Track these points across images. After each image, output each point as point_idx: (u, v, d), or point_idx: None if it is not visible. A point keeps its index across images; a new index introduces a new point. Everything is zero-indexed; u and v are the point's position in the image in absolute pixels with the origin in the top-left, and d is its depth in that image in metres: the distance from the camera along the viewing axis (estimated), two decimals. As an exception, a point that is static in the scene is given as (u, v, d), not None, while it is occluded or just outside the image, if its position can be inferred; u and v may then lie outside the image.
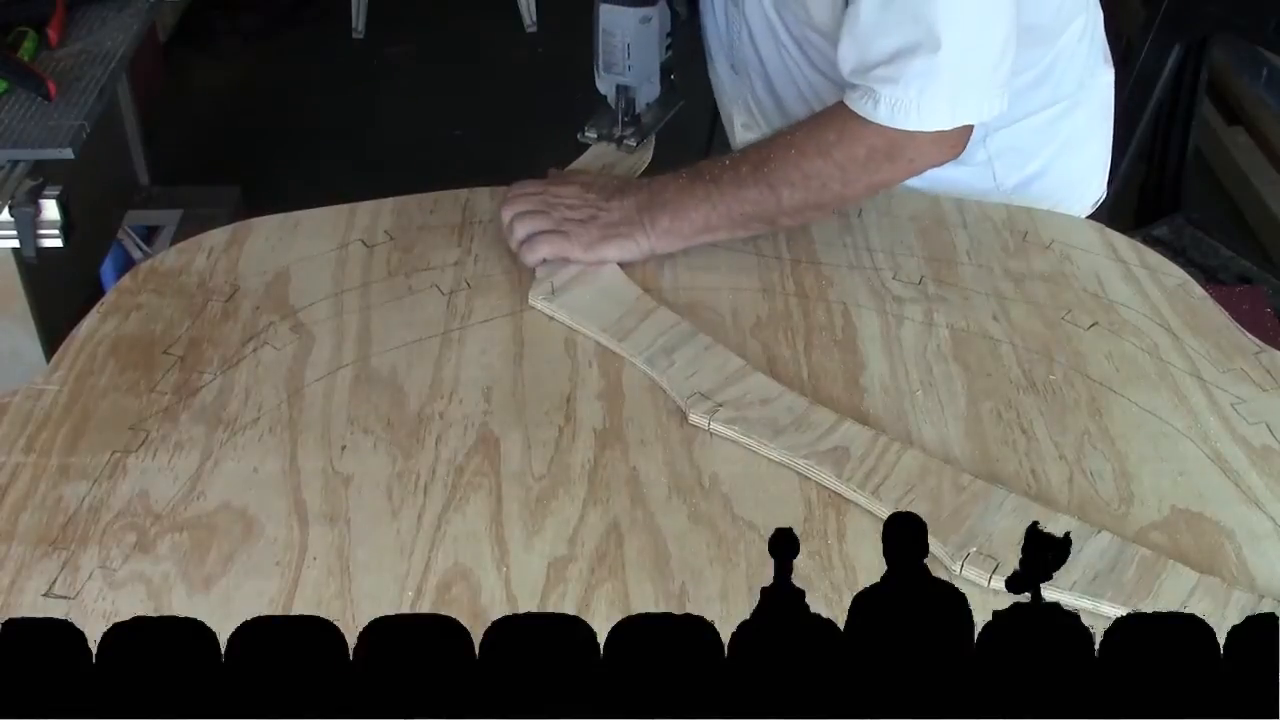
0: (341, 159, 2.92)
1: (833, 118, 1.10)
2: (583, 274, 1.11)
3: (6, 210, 1.35)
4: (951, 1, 1.02)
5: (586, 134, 1.31)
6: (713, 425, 0.95)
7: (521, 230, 1.12)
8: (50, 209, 1.37)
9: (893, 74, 1.05)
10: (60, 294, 1.56)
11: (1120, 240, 1.18)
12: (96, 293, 1.34)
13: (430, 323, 1.06)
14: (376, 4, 3.58)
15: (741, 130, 1.37)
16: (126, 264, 2.01)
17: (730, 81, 1.36)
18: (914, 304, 1.09)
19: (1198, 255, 2.23)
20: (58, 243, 1.39)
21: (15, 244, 1.38)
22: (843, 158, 1.09)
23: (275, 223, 1.18)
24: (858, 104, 1.08)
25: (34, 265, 1.43)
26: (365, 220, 1.18)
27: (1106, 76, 1.34)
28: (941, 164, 1.12)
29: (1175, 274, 1.14)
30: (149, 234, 2.25)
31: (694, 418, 0.96)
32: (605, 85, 1.29)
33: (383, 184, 1.28)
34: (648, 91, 1.28)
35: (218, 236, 1.16)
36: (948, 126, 1.07)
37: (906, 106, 1.06)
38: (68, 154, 1.38)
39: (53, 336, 1.43)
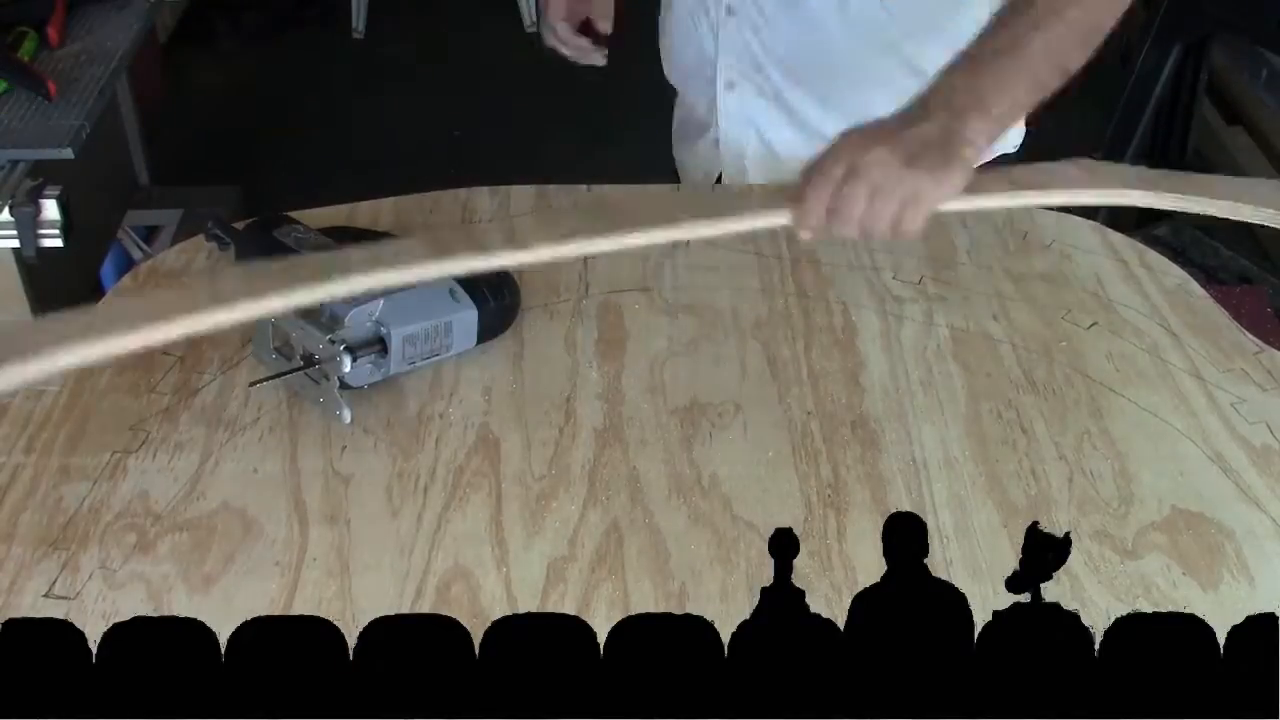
0: (341, 159, 2.92)
1: None
2: None
3: (6, 210, 1.35)
4: None
5: None
6: None
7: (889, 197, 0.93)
8: (50, 209, 1.37)
9: None
10: (60, 294, 1.56)
11: (1120, 240, 1.18)
12: (96, 293, 1.34)
13: (430, 323, 1.06)
14: (376, 4, 3.58)
15: (725, 90, 1.27)
16: (126, 264, 2.01)
17: (714, 33, 1.24)
18: (914, 304, 1.09)
19: (1198, 255, 2.23)
20: (58, 243, 1.39)
21: (15, 244, 1.38)
22: None
23: (275, 223, 1.18)
24: None
25: (34, 265, 1.43)
26: (365, 220, 1.18)
27: None
28: None
29: (1175, 274, 1.14)
30: (149, 234, 2.25)
31: None
32: None
33: (383, 184, 1.28)
34: None
35: (218, 236, 1.16)
36: None
37: None
38: (68, 154, 1.38)
39: (53, 336, 1.43)
